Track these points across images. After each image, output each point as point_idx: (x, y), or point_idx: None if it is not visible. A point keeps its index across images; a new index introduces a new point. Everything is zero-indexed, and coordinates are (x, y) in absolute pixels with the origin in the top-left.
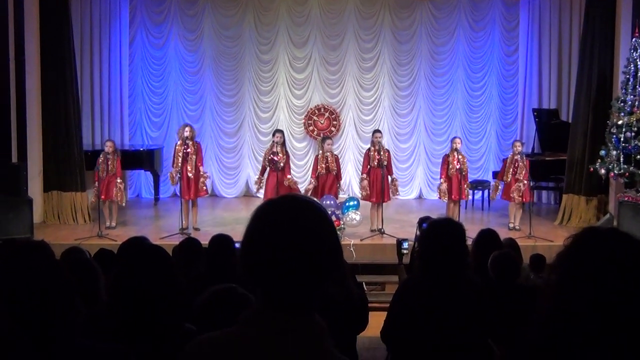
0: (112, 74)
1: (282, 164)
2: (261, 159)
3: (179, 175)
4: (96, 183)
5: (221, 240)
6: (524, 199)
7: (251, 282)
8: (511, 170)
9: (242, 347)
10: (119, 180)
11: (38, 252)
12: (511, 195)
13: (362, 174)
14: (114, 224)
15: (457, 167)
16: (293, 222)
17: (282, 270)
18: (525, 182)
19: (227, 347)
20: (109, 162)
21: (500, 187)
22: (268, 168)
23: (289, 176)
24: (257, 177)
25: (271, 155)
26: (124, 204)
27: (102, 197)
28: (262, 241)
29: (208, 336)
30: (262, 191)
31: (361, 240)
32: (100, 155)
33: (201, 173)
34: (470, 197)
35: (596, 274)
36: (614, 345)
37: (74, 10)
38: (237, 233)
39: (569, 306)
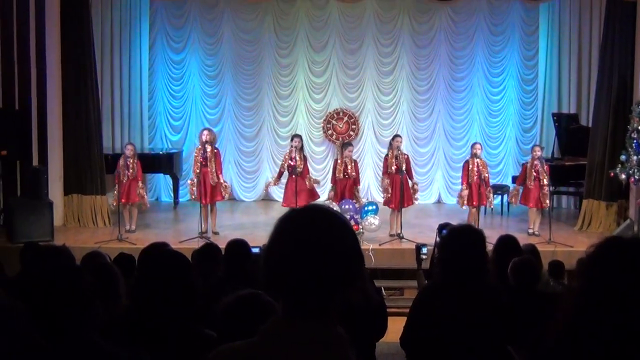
0: (133, 77)
1: (300, 169)
2: (280, 162)
3: (197, 179)
4: (116, 186)
5: (237, 245)
6: (543, 205)
7: (273, 292)
8: (532, 175)
9: (264, 358)
10: (140, 185)
11: (58, 256)
12: (541, 200)
13: (382, 175)
14: (133, 227)
15: (478, 173)
16: (315, 232)
17: (304, 281)
18: (547, 187)
19: (249, 357)
20: (130, 166)
21: (520, 192)
22: (286, 172)
23: (308, 175)
24: (274, 177)
25: (289, 162)
26: (147, 206)
27: (123, 200)
28: (285, 252)
29: (230, 346)
30: (280, 195)
31: (380, 245)
32: (121, 159)
33: (221, 182)
34: (492, 202)
35: (618, 283)
36: (634, 354)
37: (95, 15)
38: (256, 237)
39: (590, 314)
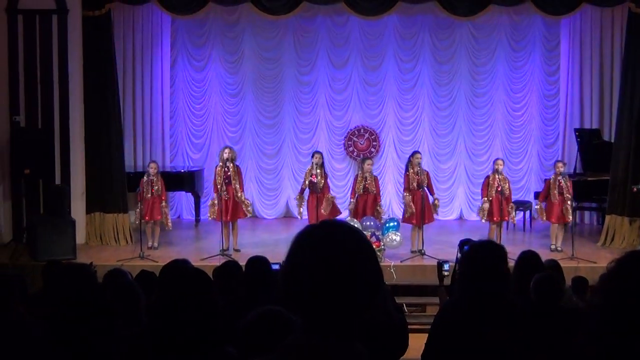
0: (154, 96)
1: (321, 185)
2: (301, 179)
3: (218, 197)
4: (139, 204)
5: (257, 262)
6: (566, 220)
7: (292, 308)
8: (556, 190)
9: None
10: (163, 204)
11: (81, 274)
12: (564, 215)
13: (404, 192)
14: (156, 244)
15: (498, 188)
16: (333, 248)
17: (322, 297)
18: (570, 202)
19: None
20: (153, 184)
21: (542, 208)
22: (308, 189)
23: (327, 195)
24: (297, 196)
25: (310, 178)
26: (170, 227)
27: (147, 218)
28: (303, 268)
29: None
30: (305, 212)
31: (401, 261)
32: (144, 177)
33: (243, 200)
34: (514, 218)
35: None
36: None
37: (117, 34)
38: (277, 254)
39: (613, 330)
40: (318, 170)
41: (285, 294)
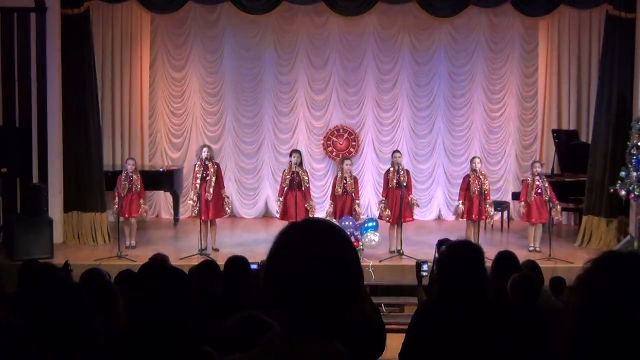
0: (133, 95)
1: (306, 184)
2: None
3: (197, 196)
4: (116, 200)
5: (236, 262)
6: (543, 220)
7: (273, 305)
8: (533, 191)
9: None
10: (142, 202)
11: (57, 274)
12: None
13: (382, 196)
14: (133, 242)
15: (477, 187)
16: (315, 247)
17: (303, 295)
18: (549, 202)
19: None
20: (131, 181)
21: (523, 210)
22: (286, 188)
23: (311, 202)
24: (278, 200)
25: (292, 176)
26: (145, 216)
27: (126, 215)
28: (284, 266)
29: (229, 359)
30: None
31: (380, 261)
32: (121, 174)
33: (224, 197)
34: (492, 217)
35: (616, 299)
36: None
37: (96, 32)
38: (256, 254)
39: (589, 330)
40: (299, 169)
41: (267, 292)
